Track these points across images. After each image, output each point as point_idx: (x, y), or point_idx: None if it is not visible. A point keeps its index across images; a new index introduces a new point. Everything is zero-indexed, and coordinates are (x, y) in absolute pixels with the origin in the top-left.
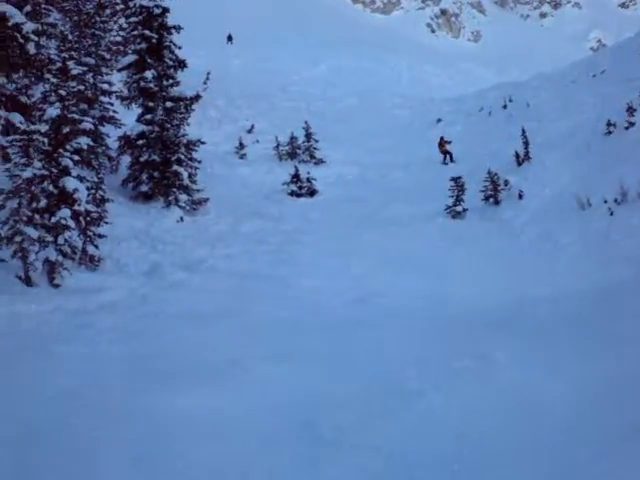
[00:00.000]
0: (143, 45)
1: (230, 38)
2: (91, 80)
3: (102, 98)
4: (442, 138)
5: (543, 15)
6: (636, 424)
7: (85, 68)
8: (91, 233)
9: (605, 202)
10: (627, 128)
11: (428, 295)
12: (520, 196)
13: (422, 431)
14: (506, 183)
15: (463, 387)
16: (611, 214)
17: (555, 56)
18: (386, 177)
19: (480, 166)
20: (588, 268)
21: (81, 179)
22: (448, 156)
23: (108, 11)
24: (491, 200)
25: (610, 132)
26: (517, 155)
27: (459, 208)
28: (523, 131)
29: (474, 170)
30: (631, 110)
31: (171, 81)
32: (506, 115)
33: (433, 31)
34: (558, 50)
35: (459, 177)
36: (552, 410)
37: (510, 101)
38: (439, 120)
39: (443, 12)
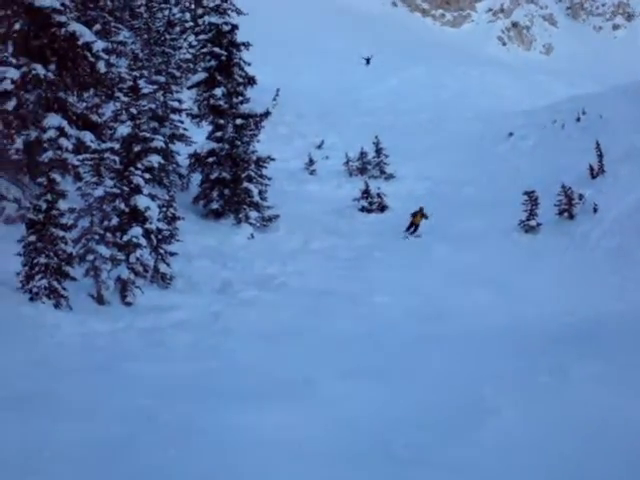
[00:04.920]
0: (213, 62)
1: (368, 61)
2: (161, 98)
3: (172, 116)
4: (421, 209)
5: (616, 27)
6: None
7: (155, 86)
8: (162, 251)
9: None
10: None
11: (503, 311)
12: (595, 210)
13: (497, 449)
14: (580, 197)
15: (539, 404)
16: None
17: (629, 68)
18: (457, 191)
19: (553, 180)
20: None
21: (152, 197)
22: (413, 228)
23: (178, 29)
24: (565, 214)
25: None
26: (591, 168)
27: (533, 222)
28: (597, 144)
29: (547, 184)
30: None
31: (241, 98)
32: (579, 128)
33: (504, 44)
34: (632, 62)
35: (532, 191)
36: (630, 428)
37: (583, 114)
38: (511, 134)
39: (514, 25)
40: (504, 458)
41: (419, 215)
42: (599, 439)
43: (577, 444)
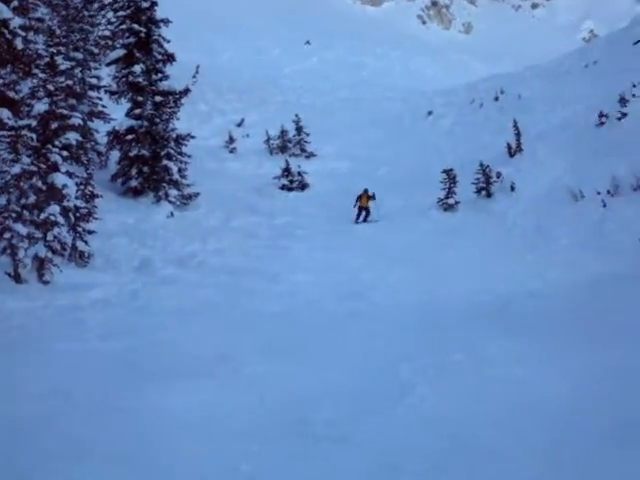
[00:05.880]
0: (131, 39)
1: (308, 42)
2: (79, 75)
3: (90, 93)
4: (366, 191)
5: (535, 6)
6: (630, 420)
7: (73, 63)
8: (81, 229)
9: (598, 194)
10: (619, 119)
11: (421, 289)
12: (512, 188)
13: (413, 425)
14: (498, 175)
15: (454, 381)
16: (604, 206)
17: (547, 47)
18: (377, 170)
19: (472, 158)
20: (582, 260)
21: (70, 175)
22: (364, 214)
23: (96, 5)
24: (483, 192)
25: (602, 123)
26: (509, 147)
27: (451, 201)
28: (515, 123)
29: (466, 162)
30: (623, 101)
31: (160, 75)
32: (498, 107)
33: (424, 22)
34: (550, 41)
35: (451, 169)
36: (544, 404)
37: (502, 93)
38: (430, 112)
39: (434, 3)
40: (419, 434)
41: (365, 197)
42: (510, 413)
43: (488, 418)
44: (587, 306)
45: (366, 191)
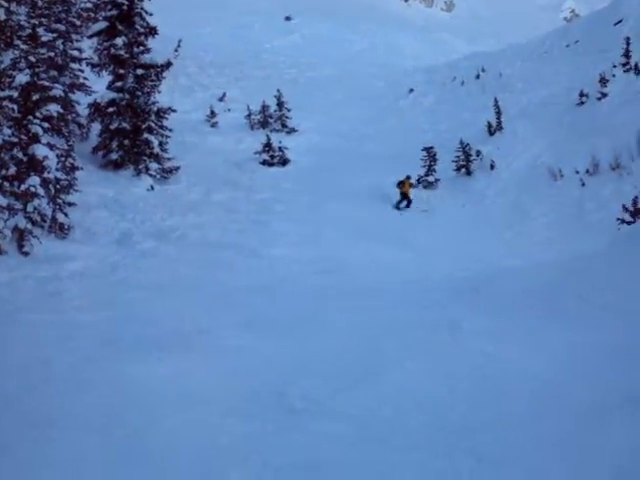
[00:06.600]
0: (114, 12)
1: (288, 18)
2: (61, 47)
3: (72, 65)
4: (408, 177)
5: None
6: (607, 396)
7: (55, 34)
8: (61, 201)
9: (577, 173)
10: (599, 99)
11: (399, 265)
12: (492, 166)
13: (395, 400)
14: (478, 153)
15: (437, 357)
16: (583, 185)
17: (528, 26)
18: (358, 147)
19: (452, 136)
20: (560, 238)
21: (51, 146)
22: (405, 202)
23: None
24: (463, 170)
25: (582, 102)
26: (489, 125)
27: (431, 178)
28: (495, 101)
29: (446, 140)
30: (603, 81)
31: (142, 48)
32: (479, 85)
33: (406, 0)
34: (531, 20)
35: (431, 147)
36: (524, 380)
37: (483, 71)
38: (411, 90)
39: None
40: (402, 409)
41: (406, 184)
42: (491, 389)
43: (470, 394)
44: (565, 284)
45: (408, 177)
